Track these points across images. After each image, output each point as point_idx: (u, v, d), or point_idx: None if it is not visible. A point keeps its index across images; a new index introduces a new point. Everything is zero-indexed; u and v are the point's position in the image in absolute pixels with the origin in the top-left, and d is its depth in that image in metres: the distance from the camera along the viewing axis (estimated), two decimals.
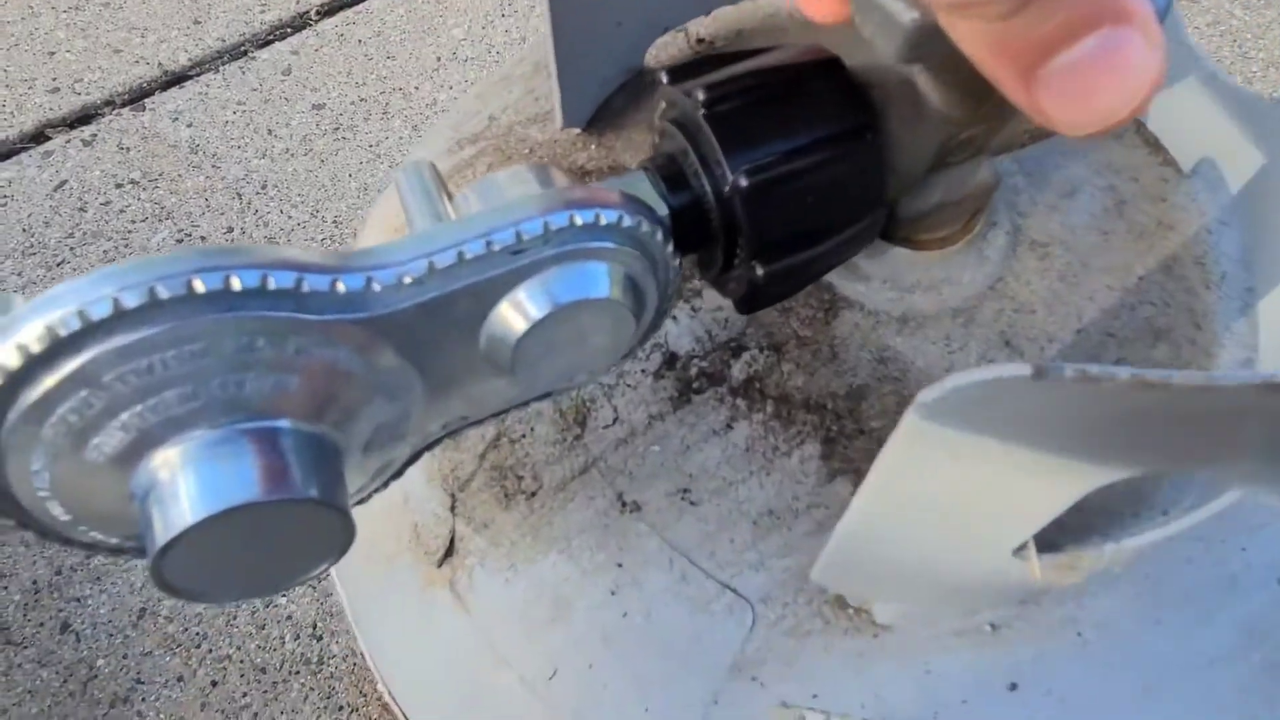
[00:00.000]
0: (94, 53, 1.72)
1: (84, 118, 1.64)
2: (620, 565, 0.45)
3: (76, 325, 0.27)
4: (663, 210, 0.36)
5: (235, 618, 1.15)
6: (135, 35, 1.74)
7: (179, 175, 1.56)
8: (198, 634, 1.17)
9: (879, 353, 0.46)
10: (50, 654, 1.17)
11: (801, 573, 0.44)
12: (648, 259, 0.35)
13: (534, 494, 0.47)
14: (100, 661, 1.18)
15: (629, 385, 0.48)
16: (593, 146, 0.56)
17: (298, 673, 1.11)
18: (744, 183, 0.34)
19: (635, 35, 0.55)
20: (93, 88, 1.67)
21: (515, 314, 0.33)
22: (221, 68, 1.72)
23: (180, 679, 1.18)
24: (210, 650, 1.19)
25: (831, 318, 0.47)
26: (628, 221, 0.33)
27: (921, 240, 0.45)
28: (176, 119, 1.63)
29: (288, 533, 0.31)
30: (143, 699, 1.15)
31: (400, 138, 1.61)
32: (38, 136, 1.61)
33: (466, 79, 1.69)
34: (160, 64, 1.71)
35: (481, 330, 0.34)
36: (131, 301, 0.27)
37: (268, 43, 1.75)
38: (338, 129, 1.62)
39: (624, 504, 0.46)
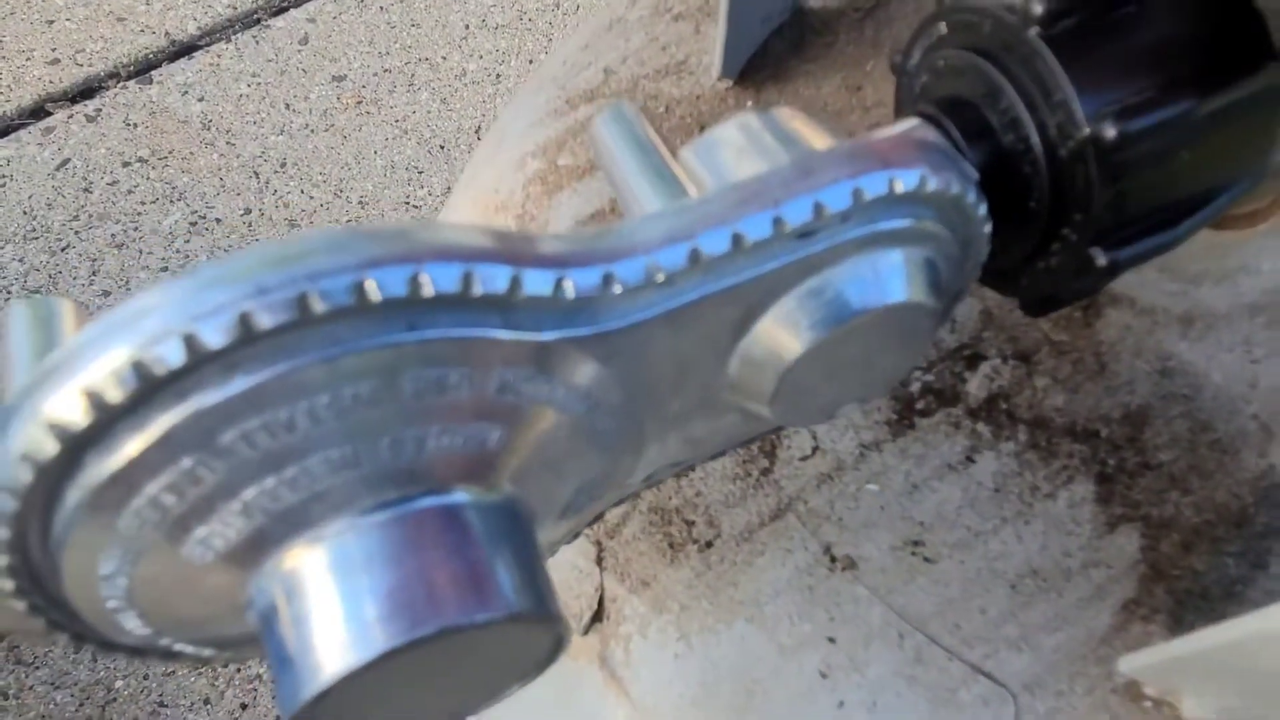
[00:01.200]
0: (96, 21, 1.59)
1: (87, 91, 1.52)
2: (832, 640, 0.35)
3: (180, 357, 0.16)
4: (973, 173, 0.25)
5: None
6: (140, 2, 1.62)
7: (191, 153, 1.44)
8: None
9: (1160, 363, 0.36)
10: (64, 675, 1.07)
11: (1078, 651, 0.33)
12: (957, 241, 0.25)
13: (710, 544, 0.37)
14: (119, 683, 1.08)
15: None
16: (749, 103, 0.45)
17: None
18: (1109, 132, 0.24)
19: None
20: (95, 59, 1.55)
21: (787, 329, 0.23)
22: (234, 37, 1.59)
23: (207, 701, 1.08)
24: (239, 670, 1.09)
25: (1094, 318, 0.37)
26: (955, 188, 0.23)
27: (1226, 216, 0.35)
28: (186, 92, 1.51)
29: (478, 657, 0.21)
30: None
31: (429, 111, 1.50)
32: (37, 112, 1.49)
33: (497, 48, 1.57)
34: (167, 33, 1.59)
35: (734, 352, 0.23)
36: (268, 318, 0.16)
37: (282, 9, 1.62)
38: (360, 102, 1.51)
39: (834, 560, 0.35)
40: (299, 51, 1.58)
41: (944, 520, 0.35)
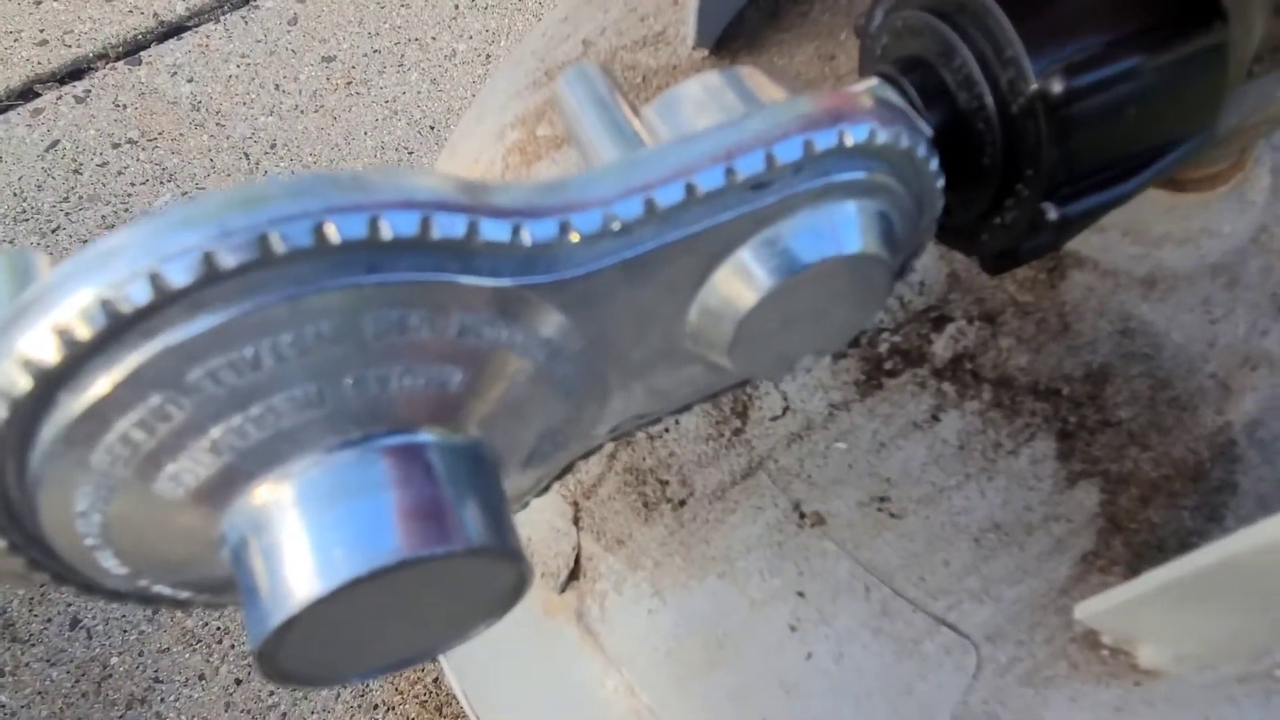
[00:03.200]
0: (84, 1, 1.59)
1: (75, 72, 1.52)
2: (801, 594, 0.36)
3: (147, 295, 0.17)
4: (927, 130, 0.26)
5: None
6: None
7: (180, 134, 1.44)
8: (219, 629, 1.08)
9: (1122, 323, 0.37)
10: (60, 652, 1.08)
11: (1038, 602, 0.34)
12: (911, 195, 0.25)
13: (683, 503, 0.38)
14: (114, 660, 1.09)
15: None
16: None
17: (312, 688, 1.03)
18: (1056, 87, 0.24)
19: None
20: (84, 39, 1.55)
21: (742, 279, 0.24)
22: (222, 17, 1.59)
23: (202, 677, 1.09)
24: (233, 646, 1.10)
25: (1058, 279, 0.37)
26: (905, 141, 0.24)
27: (1185, 180, 0.35)
28: (175, 73, 1.51)
29: (441, 593, 0.22)
30: (161, 699, 1.06)
31: (419, 92, 1.50)
32: (26, 93, 1.48)
33: (487, 28, 1.57)
34: (155, 13, 1.59)
35: (694, 301, 0.24)
36: (231, 258, 0.17)
37: None
38: (350, 83, 1.51)
39: (803, 516, 0.36)
40: (288, 32, 1.58)
41: (910, 477, 0.36)
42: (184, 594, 0.24)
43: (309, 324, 0.18)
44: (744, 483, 0.37)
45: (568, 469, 0.29)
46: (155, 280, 0.17)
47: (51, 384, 0.18)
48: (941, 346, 0.37)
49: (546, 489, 0.30)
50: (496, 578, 0.22)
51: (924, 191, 0.26)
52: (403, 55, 1.53)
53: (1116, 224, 0.37)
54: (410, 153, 1.42)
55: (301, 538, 0.20)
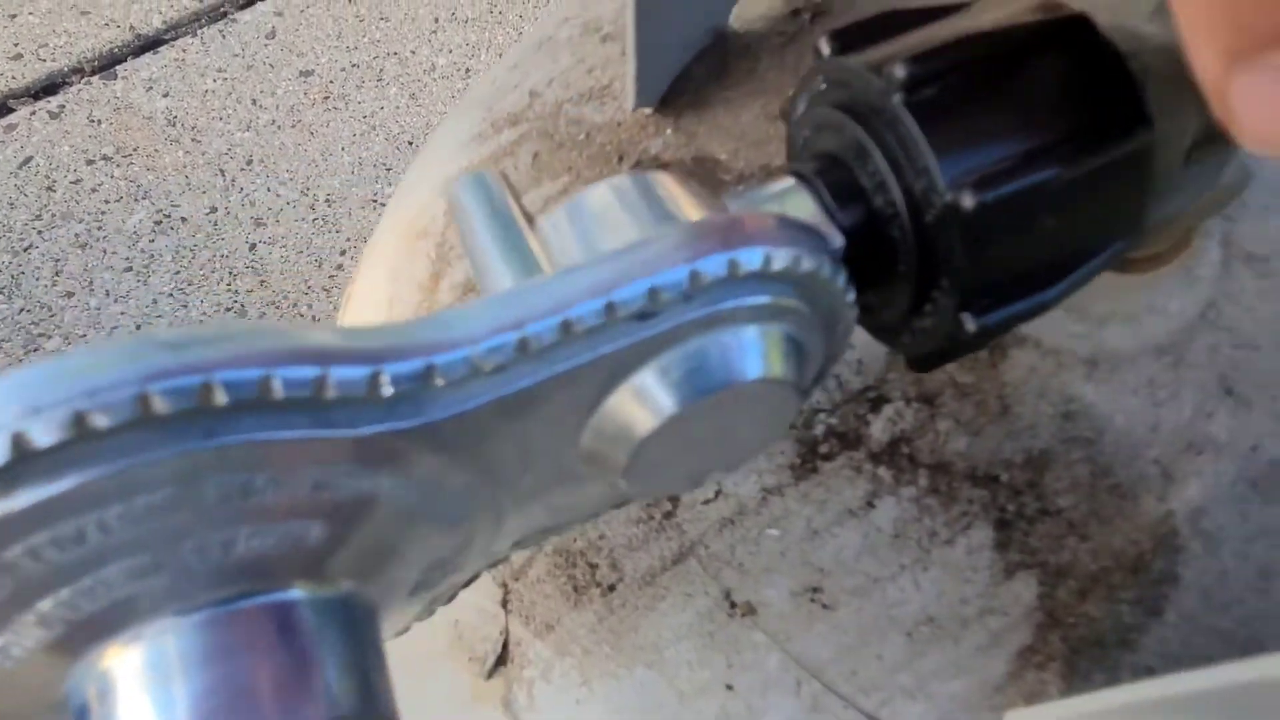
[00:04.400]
0: (59, 14, 1.57)
1: (50, 87, 1.51)
2: (730, 687, 0.34)
3: None
4: (837, 240, 0.25)
5: None
6: None
7: (156, 150, 1.43)
8: None
9: (1064, 405, 0.36)
10: None
11: (973, 700, 0.33)
12: (818, 313, 0.24)
13: (612, 588, 0.37)
14: None
15: None
16: (668, 131, 0.44)
17: None
18: (967, 202, 0.23)
19: None
20: (59, 54, 1.54)
21: (637, 406, 0.22)
22: (199, 31, 1.58)
23: None
24: None
25: (999, 359, 0.36)
26: (806, 264, 0.22)
27: (1130, 260, 0.34)
28: (151, 88, 1.50)
29: None
30: None
31: (397, 106, 1.49)
32: (0, 108, 1.47)
33: (467, 41, 1.56)
34: (132, 27, 1.57)
35: (586, 426, 0.23)
36: (44, 436, 0.16)
37: (250, 3, 1.61)
38: (328, 98, 1.50)
39: (733, 605, 0.35)
40: (266, 46, 1.56)
41: (843, 566, 0.35)
42: None
43: (139, 495, 0.17)
44: (674, 568, 0.36)
45: (469, 583, 0.28)
46: None
47: None
48: (879, 429, 0.36)
49: (451, 599, 0.28)
50: None
51: (833, 307, 0.24)
52: (381, 69, 1.52)
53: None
54: (388, 168, 1.41)
55: (145, 710, 0.18)
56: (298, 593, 0.20)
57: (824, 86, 0.27)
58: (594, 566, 0.37)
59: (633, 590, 0.36)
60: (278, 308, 1.24)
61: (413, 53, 1.58)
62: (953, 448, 0.36)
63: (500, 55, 1.58)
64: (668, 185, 0.25)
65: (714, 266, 0.21)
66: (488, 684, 0.38)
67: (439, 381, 0.20)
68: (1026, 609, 0.34)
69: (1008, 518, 0.35)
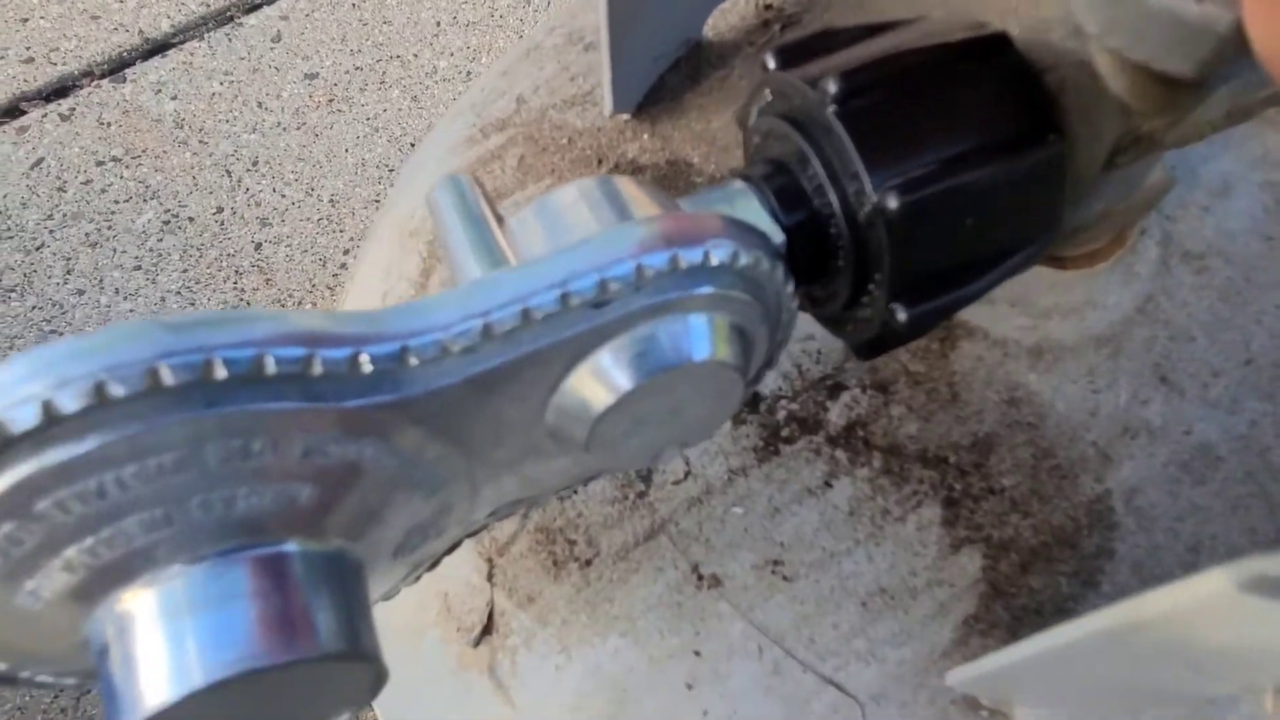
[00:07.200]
0: (70, 19, 1.61)
1: (61, 90, 1.54)
2: (698, 653, 0.37)
3: None
4: (778, 237, 0.28)
5: None
6: (113, 0, 1.63)
7: (164, 152, 1.46)
8: None
9: (1009, 392, 0.38)
10: None
11: (921, 665, 0.36)
12: (761, 303, 0.27)
13: (589, 562, 0.39)
14: None
15: None
16: (645, 136, 0.47)
17: None
18: (892, 203, 0.26)
19: (695, 1, 0.46)
20: (69, 57, 1.57)
21: (595, 384, 0.25)
22: (207, 35, 1.61)
23: None
24: None
25: (949, 349, 0.39)
26: (744, 259, 0.25)
27: (1067, 258, 0.37)
28: (160, 91, 1.53)
29: (301, 690, 0.23)
30: None
31: (400, 109, 1.51)
32: (12, 111, 1.50)
33: (469, 45, 1.59)
34: (141, 31, 1.60)
35: (549, 403, 0.26)
36: (70, 404, 0.19)
37: (255, 7, 1.64)
38: (332, 100, 1.52)
39: (700, 578, 0.38)
40: (271, 49, 1.59)
41: (802, 541, 0.37)
42: (69, 680, 0.25)
43: (151, 456, 0.20)
44: (646, 544, 0.39)
45: (451, 550, 0.31)
46: None
47: None
48: (836, 414, 0.39)
49: (435, 565, 0.31)
50: (353, 676, 0.24)
51: (775, 298, 0.27)
52: (384, 72, 1.55)
53: (1005, 296, 0.39)
54: (391, 170, 1.44)
55: (157, 646, 0.21)
56: (292, 546, 0.23)
57: (770, 98, 0.30)
58: (572, 543, 0.40)
59: (608, 564, 0.39)
60: (283, 305, 1.27)
61: (415, 56, 1.61)
62: (905, 431, 0.38)
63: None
64: (628, 187, 0.28)
65: (658, 261, 0.24)
66: (474, 652, 0.40)
67: (413, 361, 0.22)
68: (971, 580, 0.36)
69: (955, 496, 0.37)
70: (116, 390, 0.19)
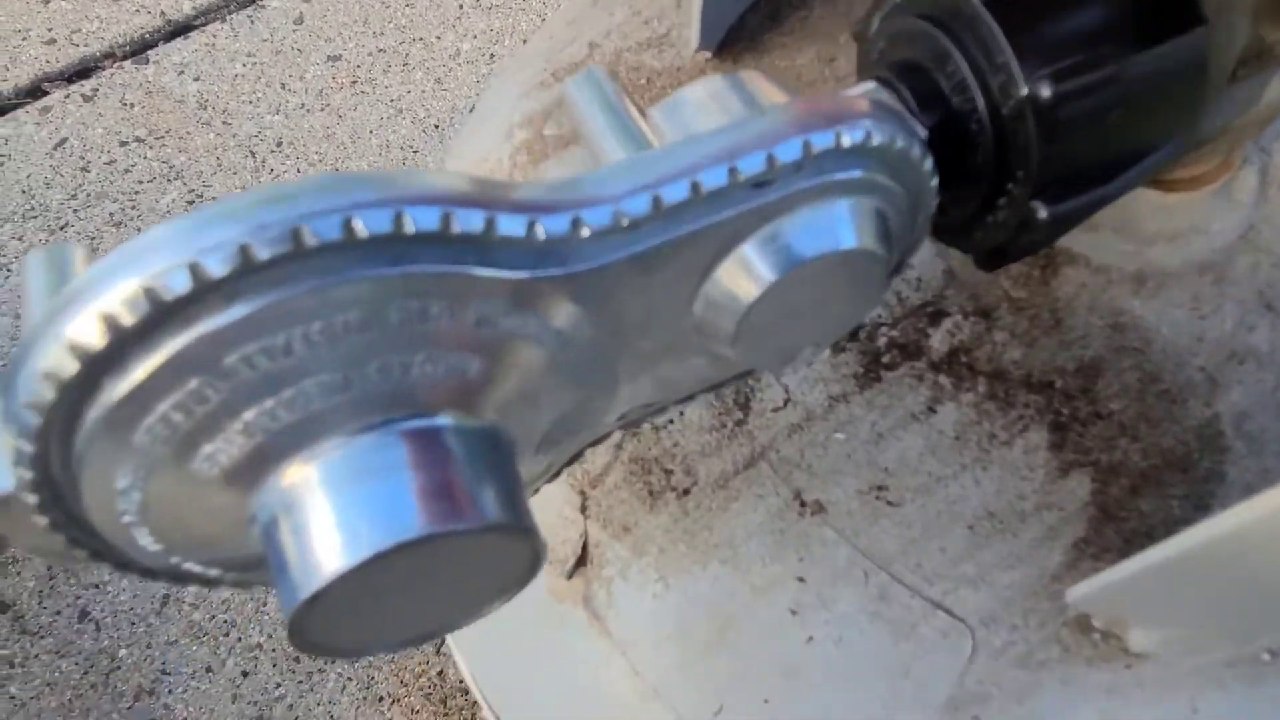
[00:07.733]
0: (92, 0, 1.60)
1: (83, 71, 1.53)
2: (802, 580, 0.37)
3: (186, 285, 0.18)
4: (922, 132, 0.27)
5: (266, 604, 1.07)
6: None
7: (187, 132, 1.46)
8: (226, 621, 1.09)
9: (1113, 318, 0.38)
10: (69, 644, 1.09)
11: (1031, 588, 0.36)
12: (907, 194, 0.26)
13: (687, 491, 0.39)
14: (123, 652, 1.10)
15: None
16: None
17: (334, 661, 1.04)
18: (1045, 92, 0.25)
19: None
20: (91, 39, 1.56)
21: (745, 274, 0.25)
22: (229, 16, 1.61)
23: (209, 669, 1.10)
24: (240, 639, 1.11)
25: (1051, 275, 0.39)
26: (900, 142, 0.25)
27: (1173, 180, 0.37)
28: (182, 72, 1.53)
29: (461, 570, 0.23)
30: (169, 691, 1.07)
31: (423, 90, 1.51)
32: (35, 91, 1.50)
33: (491, 28, 1.58)
34: (163, 12, 1.60)
35: (699, 294, 0.25)
36: (265, 250, 0.18)
37: None
38: (355, 82, 1.52)
39: (803, 504, 0.37)
40: (294, 31, 1.59)
41: (907, 466, 0.37)
42: (213, 572, 0.25)
43: (337, 313, 0.20)
44: (746, 472, 0.38)
45: (577, 456, 0.30)
46: (195, 271, 0.18)
47: (97, 368, 0.19)
48: (938, 341, 0.38)
49: (557, 474, 0.31)
50: (512, 555, 0.23)
51: (919, 190, 0.27)
52: (407, 54, 1.54)
53: (1107, 222, 0.39)
54: (415, 151, 1.43)
55: (328, 516, 0.21)
56: (453, 420, 0.22)
57: (900, 0, 0.30)
58: (669, 472, 0.39)
59: (706, 493, 0.39)
60: None
61: (438, 38, 1.61)
62: (1009, 357, 0.38)
63: (524, 41, 1.60)
64: (757, 81, 0.28)
65: (823, 139, 0.24)
66: (568, 584, 0.40)
67: (584, 232, 0.22)
68: (1081, 504, 0.36)
69: (1062, 420, 0.37)
70: (311, 239, 0.19)
